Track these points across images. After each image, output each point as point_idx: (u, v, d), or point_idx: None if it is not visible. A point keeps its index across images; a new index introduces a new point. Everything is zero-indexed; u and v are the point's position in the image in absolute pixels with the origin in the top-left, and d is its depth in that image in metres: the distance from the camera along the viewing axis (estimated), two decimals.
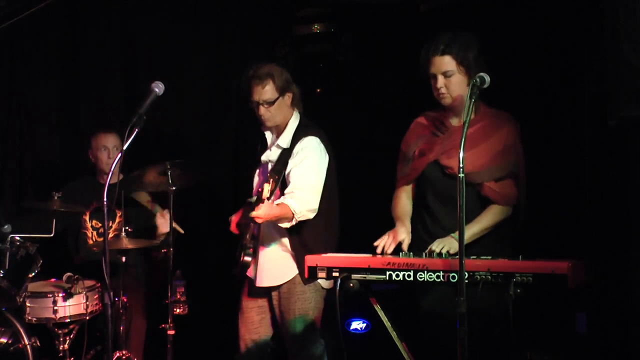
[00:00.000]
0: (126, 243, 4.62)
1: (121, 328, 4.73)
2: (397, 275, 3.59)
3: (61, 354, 4.58)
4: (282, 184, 4.26)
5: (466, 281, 3.27)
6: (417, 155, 4.04)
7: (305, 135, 4.29)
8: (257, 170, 4.52)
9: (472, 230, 3.80)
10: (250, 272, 4.42)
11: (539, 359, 3.82)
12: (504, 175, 3.86)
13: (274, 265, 4.34)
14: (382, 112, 5.39)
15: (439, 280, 3.51)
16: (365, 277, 3.66)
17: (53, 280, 4.80)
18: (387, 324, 3.87)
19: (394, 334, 3.86)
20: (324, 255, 3.87)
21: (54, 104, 5.88)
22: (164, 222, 4.91)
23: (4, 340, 4.43)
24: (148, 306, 5.08)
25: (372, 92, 5.44)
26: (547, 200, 4.21)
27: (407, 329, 3.91)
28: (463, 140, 3.28)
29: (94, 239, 5.12)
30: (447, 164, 3.89)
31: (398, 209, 4.11)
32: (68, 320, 4.55)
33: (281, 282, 4.32)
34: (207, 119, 5.81)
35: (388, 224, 5.29)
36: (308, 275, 3.81)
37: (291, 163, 4.26)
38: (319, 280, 4.31)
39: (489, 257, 3.55)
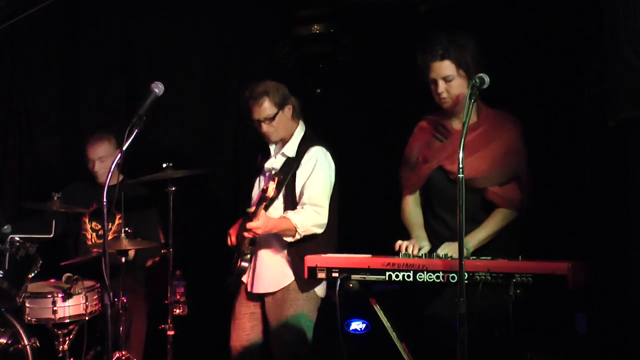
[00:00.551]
0: (126, 244, 4.62)
1: (121, 328, 4.73)
2: (397, 276, 3.59)
3: (61, 355, 4.59)
4: (287, 192, 4.26)
5: (466, 282, 3.27)
6: (421, 161, 4.04)
7: (311, 145, 4.30)
8: (258, 179, 4.51)
9: (479, 236, 3.81)
10: (244, 278, 4.41)
11: (539, 359, 3.81)
12: (508, 179, 3.87)
13: (270, 271, 4.33)
14: (382, 112, 5.38)
15: (439, 281, 3.50)
16: (364, 278, 3.66)
17: (53, 280, 4.81)
18: (387, 324, 3.87)
19: (393, 335, 3.86)
20: (323, 255, 3.86)
21: (54, 104, 5.89)
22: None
23: (3, 340, 4.43)
24: (148, 307, 5.08)
25: (372, 92, 5.43)
26: (547, 200, 4.20)
27: (406, 330, 3.90)
28: (462, 140, 3.29)
29: (93, 241, 5.12)
30: (451, 169, 3.88)
31: (410, 218, 4.12)
32: (68, 320, 4.56)
33: (276, 289, 4.32)
34: (207, 119, 5.81)
35: (388, 224, 5.29)
36: (308, 275, 3.81)
37: (300, 175, 4.26)
38: (315, 289, 4.31)
39: (489, 258, 3.55)
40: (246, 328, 4.42)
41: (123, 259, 4.68)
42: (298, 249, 4.24)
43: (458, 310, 3.22)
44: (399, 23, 5.28)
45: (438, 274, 3.51)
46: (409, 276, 3.56)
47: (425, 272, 3.53)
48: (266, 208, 4.21)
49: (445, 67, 3.83)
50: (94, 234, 5.17)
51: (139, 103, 3.57)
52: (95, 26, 5.82)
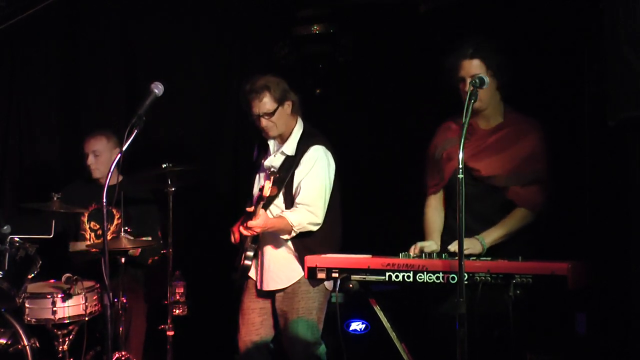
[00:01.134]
0: (125, 244, 4.62)
1: (120, 329, 4.73)
2: (397, 277, 3.59)
3: (60, 355, 4.59)
4: (286, 192, 4.27)
5: (466, 282, 3.27)
6: (445, 158, 4.07)
7: (312, 144, 4.30)
8: (257, 176, 4.51)
9: (496, 233, 3.83)
10: (252, 274, 4.42)
11: (539, 359, 3.81)
12: (530, 180, 3.91)
13: (279, 268, 4.34)
14: (382, 112, 5.38)
15: (439, 281, 3.50)
16: (364, 278, 3.67)
17: (52, 281, 4.80)
18: (387, 324, 3.87)
19: (393, 335, 3.86)
20: (323, 256, 3.87)
21: (54, 104, 5.89)
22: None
23: (3, 341, 4.43)
24: (147, 307, 5.08)
25: (372, 92, 5.43)
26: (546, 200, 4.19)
27: (406, 330, 3.90)
28: (462, 140, 3.31)
29: (92, 241, 5.12)
30: (475, 166, 3.93)
31: (429, 224, 4.13)
32: (67, 321, 4.56)
33: (287, 285, 4.32)
34: (207, 119, 5.81)
35: (388, 224, 5.30)
36: (307, 276, 3.81)
37: (298, 173, 4.27)
38: (324, 282, 4.31)
39: (489, 258, 3.55)
40: (256, 323, 4.43)
41: (123, 259, 4.68)
42: (305, 244, 4.26)
43: (458, 310, 3.23)
44: (399, 23, 5.28)
45: (438, 275, 3.51)
46: (408, 277, 3.56)
47: (425, 273, 3.53)
48: (267, 206, 4.22)
49: (475, 66, 3.88)
50: (92, 234, 5.17)
51: (139, 103, 3.58)
52: (95, 26, 5.82)
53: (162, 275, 4.72)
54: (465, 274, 3.29)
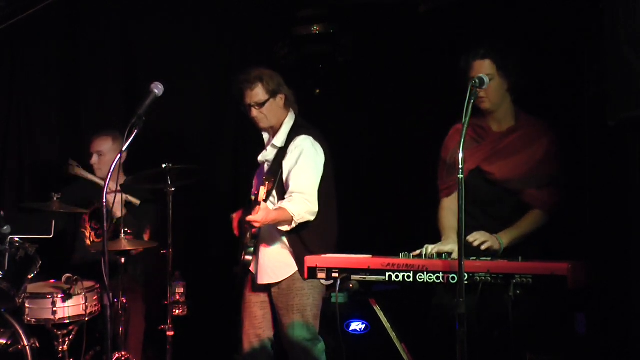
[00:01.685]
0: (125, 244, 4.62)
1: (120, 329, 4.73)
2: (397, 277, 3.59)
3: (60, 355, 4.59)
4: (279, 186, 4.27)
5: (466, 283, 3.27)
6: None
7: (299, 134, 4.31)
8: (257, 171, 4.54)
9: (513, 234, 3.86)
10: (252, 268, 4.43)
11: (539, 359, 3.81)
12: (545, 183, 3.93)
13: (274, 262, 4.35)
14: (382, 112, 5.38)
15: (439, 281, 3.50)
16: (364, 278, 3.67)
17: (52, 281, 4.80)
18: (387, 324, 3.87)
19: (393, 335, 3.86)
20: (323, 256, 3.87)
21: (54, 104, 5.89)
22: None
23: (3, 341, 4.43)
24: (146, 307, 5.07)
25: (372, 92, 5.44)
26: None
27: (406, 330, 3.90)
28: (462, 140, 3.30)
29: (92, 240, 5.12)
30: (489, 170, 3.96)
31: (444, 222, 4.13)
32: (67, 321, 4.56)
33: (280, 279, 4.33)
34: (207, 119, 5.81)
35: (388, 224, 5.30)
36: (308, 276, 3.81)
37: (286, 164, 4.27)
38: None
39: (489, 259, 3.55)
40: (258, 317, 4.44)
41: (123, 260, 4.68)
42: (300, 239, 4.26)
43: (457, 310, 3.22)
44: (399, 23, 5.28)
45: (438, 275, 3.51)
46: (409, 277, 3.56)
47: (425, 273, 3.53)
48: (265, 200, 4.22)
49: (486, 67, 3.91)
50: (92, 233, 5.17)
51: (139, 103, 3.58)
52: (95, 26, 5.82)
53: (161, 275, 4.72)
54: (465, 274, 3.29)
